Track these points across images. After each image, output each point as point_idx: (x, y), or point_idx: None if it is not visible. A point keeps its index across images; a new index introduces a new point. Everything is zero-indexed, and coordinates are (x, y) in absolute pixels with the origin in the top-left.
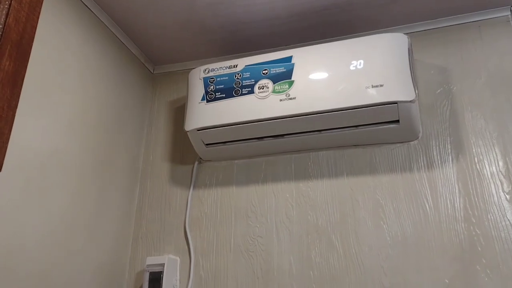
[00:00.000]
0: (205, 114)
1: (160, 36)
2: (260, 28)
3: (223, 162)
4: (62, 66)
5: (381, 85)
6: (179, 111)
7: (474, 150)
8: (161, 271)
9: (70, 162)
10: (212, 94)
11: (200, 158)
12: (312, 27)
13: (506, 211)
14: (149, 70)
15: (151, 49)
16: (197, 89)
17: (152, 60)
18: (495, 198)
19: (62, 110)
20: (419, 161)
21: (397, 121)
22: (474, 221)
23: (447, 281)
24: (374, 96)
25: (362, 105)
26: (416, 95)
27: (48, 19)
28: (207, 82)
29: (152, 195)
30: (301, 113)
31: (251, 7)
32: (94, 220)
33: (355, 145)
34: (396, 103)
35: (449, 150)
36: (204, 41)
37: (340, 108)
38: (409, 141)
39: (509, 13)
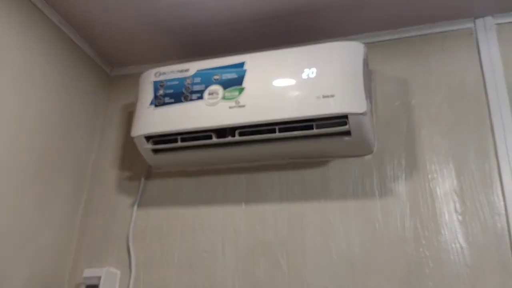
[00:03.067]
0: (152, 120)
1: (118, 37)
2: (221, 32)
3: (172, 173)
4: None
5: (332, 96)
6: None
7: (428, 167)
8: (97, 285)
9: (2, 166)
10: (161, 98)
11: (150, 167)
12: (274, 33)
13: (457, 232)
14: (106, 72)
15: (109, 51)
16: (147, 93)
17: (110, 62)
18: (447, 218)
19: None
20: (372, 176)
21: (349, 132)
22: (423, 242)
23: None
24: (324, 106)
25: (313, 116)
26: (367, 108)
27: None
28: (157, 86)
29: (98, 203)
30: (250, 122)
31: (212, 9)
32: (31, 228)
33: (308, 158)
34: (346, 115)
35: (403, 166)
36: (164, 43)
37: (290, 118)
38: (363, 155)
39: (473, 25)
